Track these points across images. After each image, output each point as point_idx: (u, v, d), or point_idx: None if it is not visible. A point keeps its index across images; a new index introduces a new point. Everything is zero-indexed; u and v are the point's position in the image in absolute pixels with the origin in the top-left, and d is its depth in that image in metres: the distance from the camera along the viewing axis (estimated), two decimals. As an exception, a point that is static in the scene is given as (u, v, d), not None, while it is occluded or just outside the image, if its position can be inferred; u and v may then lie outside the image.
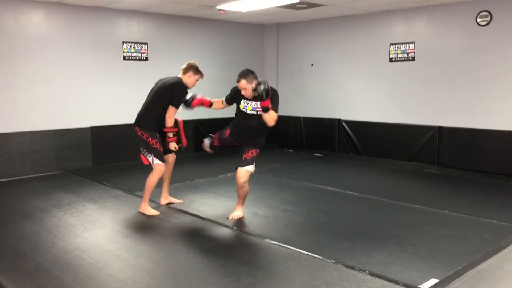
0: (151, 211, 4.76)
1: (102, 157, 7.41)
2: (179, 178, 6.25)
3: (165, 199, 5.11)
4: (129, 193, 5.58)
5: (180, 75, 4.69)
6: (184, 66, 4.71)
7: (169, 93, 4.58)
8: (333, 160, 7.89)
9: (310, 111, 8.96)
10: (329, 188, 5.80)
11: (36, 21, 6.67)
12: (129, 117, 7.73)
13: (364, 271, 3.28)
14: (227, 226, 4.33)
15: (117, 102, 7.56)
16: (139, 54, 7.77)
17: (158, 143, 4.63)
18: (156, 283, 3.14)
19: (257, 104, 4.19)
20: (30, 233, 4.18)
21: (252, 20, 8.78)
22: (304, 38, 8.97)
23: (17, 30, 6.50)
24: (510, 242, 3.84)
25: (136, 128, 4.69)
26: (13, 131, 6.53)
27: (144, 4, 7.01)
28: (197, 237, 4.16)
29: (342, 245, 3.85)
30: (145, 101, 4.81)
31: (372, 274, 3.23)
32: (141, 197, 5.38)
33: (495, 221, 4.41)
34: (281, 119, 10.12)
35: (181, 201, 5.15)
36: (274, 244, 3.86)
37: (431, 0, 6.68)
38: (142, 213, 4.75)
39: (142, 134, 4.64)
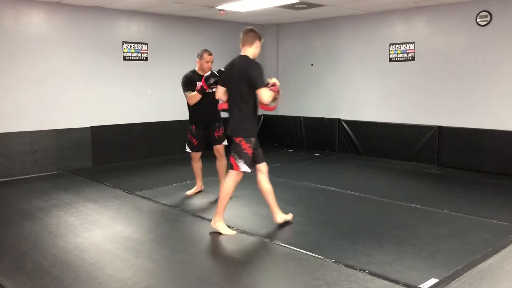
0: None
1: (102, 157, 7.42)
2: (179, 178, 6.25)
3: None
4: (129, 193, 5.58)
5: None
6: None
7: None
8: (333, 160, 7.88)
9: (310, 111, 8.96)
10: (329, 188, 5.80)
11: (36, 21, 6.67)
12: (129, 117, 7.80)
13: (364, 271, 3.28)
14: (227, 226, 4.32)
15: (117, 102, 7.57)
16: (139, 54, 7.77)
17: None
18: (156, 283, 3.14)
19: None
20: (30, 233, 4.18)
21: (252, 20, 8.78)
22: (304, 38, 8.97)
23: (17, 30, 6.50)
24: (510, 242, 3.84)
25: None
26: (13, 131, 6.53)
27: (144, 4, 7.01)
28: (197, 237, 4.16)
29: (342, 245, 3.85)
30: None
31: (372, 274, 3.23)
32: (141, 196, 5.41)
33: (495, 221, 4.41)
34: (281, 119, 10.11)
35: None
36: (274, 244, 3.86)
37: (431, 0, 6.68)
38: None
39: None
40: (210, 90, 4.96)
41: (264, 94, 3.87)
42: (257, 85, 3.88)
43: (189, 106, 5.15)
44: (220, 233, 4.11)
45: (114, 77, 7.48)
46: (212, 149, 5.31)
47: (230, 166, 4.12)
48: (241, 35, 4.06)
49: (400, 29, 7.57)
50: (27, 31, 6.59)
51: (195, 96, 4.94)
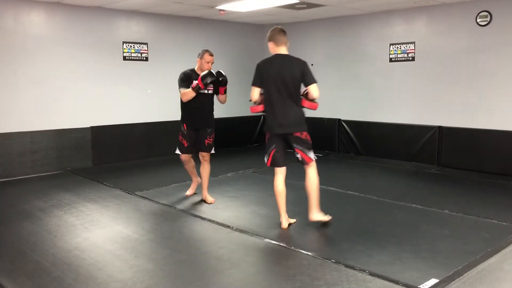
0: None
1: (102, 157, 7.41)
2: (180, 178, 6.24)
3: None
4: (129, 193, 5.58)
5: None
6: None
7: None
8: (333, 160, 7.88)
9: (310, 111, 8.92)
10: (329, 188, 5.79)
11: (36, 21, 6.67)
12: (129, 117, 7.80)
13: (364, 271, 3.28)
14: (227, 226, 4.33)
15: (117, 102, 7.57)
16: (139, 54, 7.77)
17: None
18: (156, 283, 3.14)
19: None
20: (30, 233, 4.18)
21: (252, 20, 8.78)
22: (304, 38, 8.97)
23: (17, 30, 6.50)
24: (510, 242, 3.84)
25: None
26: (13, 131, 6.53)
27: (144, 4, 7.01)
28: (197, 237, 4.16)
29: (342, 245, 3.85)
30: None
31: (372, 274, 3.23)
32: (141, 196, 5.42)
33: (495, 221, 4.41)
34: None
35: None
36: (274, 244, 3.86)
37: (431, 0, 6.68)
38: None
39: None
40: (206, 91, 4.94)
41: (316, 89, 4.19)
42: (311, 80, 4.13)
43: (182, 105, 5.08)
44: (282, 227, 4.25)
45: (114, 77, 7.48)
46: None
47: (302, 162, 4.31)
48: (275, 35, 4.13)
49: (400, 29, 7.57)
50: (27, 31, 6.59)
51: (189, 93, 4.85)
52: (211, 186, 5.90)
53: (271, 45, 4.18)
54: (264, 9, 7.42)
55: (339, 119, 8.48)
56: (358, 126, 8.20)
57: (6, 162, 6.47)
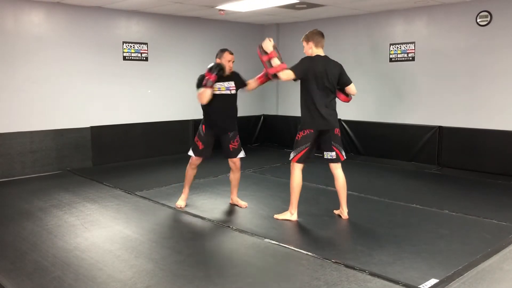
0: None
1: (102, 157, 7.41)
2: (180, 178, 6.24)
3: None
4: (129, 193, 5.58)
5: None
6: None
7: None
8: (333, 160, 7.88)
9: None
10: (329, 188, 5.79)
11: (36, 21, 6.67)
12: (129, 117, 7.81)
13: (364, 271, 3.28)
14: (227, 226, 4.33)
15: (117, 102, 7.57)
16: (139, 54, 7.77)
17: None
18: (156, 283, 3.14)
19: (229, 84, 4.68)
20: (30, 233, 4.18)
21: (252, 20, 8.78)
22: (304, 38, 8.96)
23: (17, 30, 6.50)
24: (510, 242, 3.84)
25: None
26: (13, 131, 6.53)
27: (144, 4, 7.01)
28: (197, 237, 4.16)
29: (342, 245, 3.85)
30: None
31: (372, 274, 3.23)
32: (141, 196, 5.42)
33: (495, 221, 4.41)
34: (281, 119, 10.07)
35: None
36: (274, 244, 3.86)
37: (431, 0, 6.68)
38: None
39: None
40: (228, 92, 4.61)
41: (354, 87, 4.49)
42: (349, 80, 4.47)
43: (204, 109, 4.70)
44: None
45: (114, 77, 7.48)
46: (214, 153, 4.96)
47: (336, 159, 4.51)
48: (316, 37, 4.35)
49: (400, 29, 7.57)
50: (27, 31, 6.59)
51: (204, 92, 4.44)
52: (211, 186, 5.91)
53: (310, 45, 4.36)
54: (264, 9, 7.42)
55: (339, 119, 8.45)
56: (358, 126, 8.20)
57: (6, 162, 6.47)
